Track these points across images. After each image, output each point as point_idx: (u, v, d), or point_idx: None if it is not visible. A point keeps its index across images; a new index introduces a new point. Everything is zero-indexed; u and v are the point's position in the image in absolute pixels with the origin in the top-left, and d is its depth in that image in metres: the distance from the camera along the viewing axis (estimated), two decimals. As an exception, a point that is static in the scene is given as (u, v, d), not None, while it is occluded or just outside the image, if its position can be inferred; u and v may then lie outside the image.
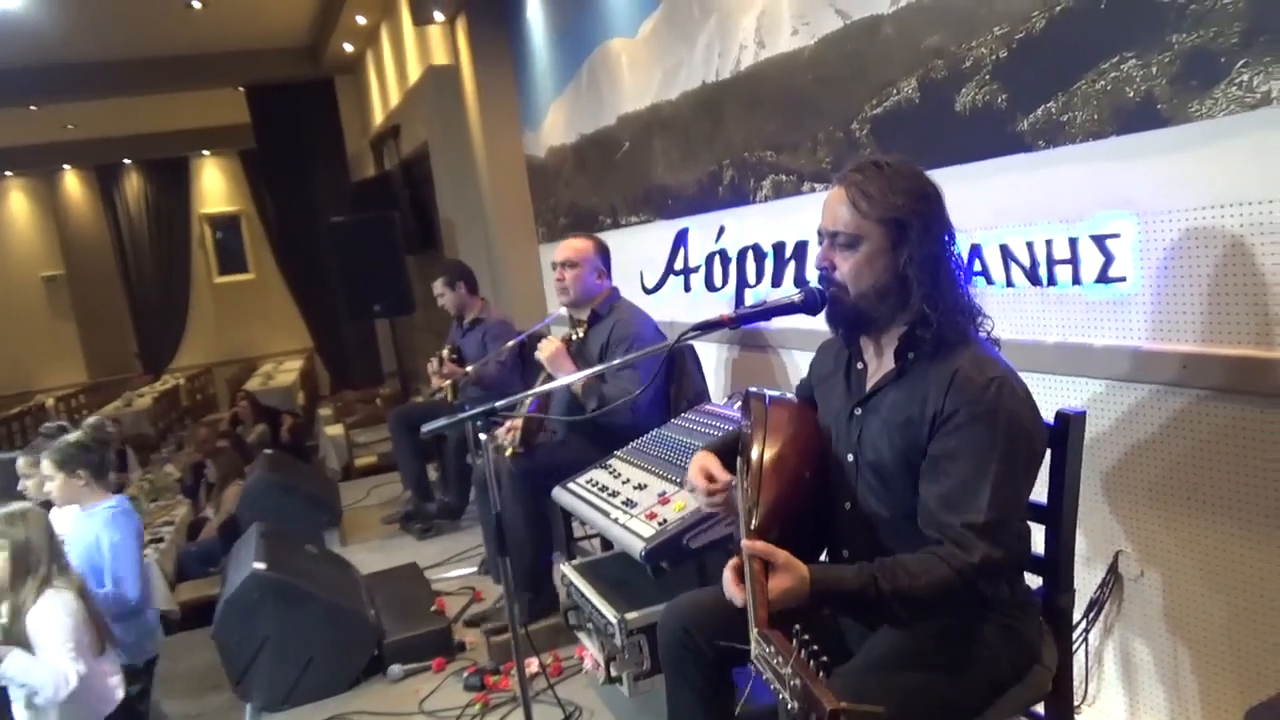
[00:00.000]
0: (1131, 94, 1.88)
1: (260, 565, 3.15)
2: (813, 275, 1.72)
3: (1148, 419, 2.00)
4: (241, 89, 10.20)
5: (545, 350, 3.22)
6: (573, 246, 3.41)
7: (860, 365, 1.73)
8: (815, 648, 1.16)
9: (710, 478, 1.78)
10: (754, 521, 1.56)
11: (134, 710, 2.99)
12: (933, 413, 1.54)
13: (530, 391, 2.94)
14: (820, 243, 1.66)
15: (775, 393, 1.87)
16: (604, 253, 3.45)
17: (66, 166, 13.52)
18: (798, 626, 1.22)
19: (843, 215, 1.59)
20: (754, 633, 1.28)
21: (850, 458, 1.69)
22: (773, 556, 1.42)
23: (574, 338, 3.36)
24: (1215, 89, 1.73)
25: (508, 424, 3.30)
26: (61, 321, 13.70)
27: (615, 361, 2.28)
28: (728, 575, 1.48)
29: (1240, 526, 1.84)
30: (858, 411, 1.69)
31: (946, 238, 1.61)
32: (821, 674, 1.14)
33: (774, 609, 1.35)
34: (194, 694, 3.58)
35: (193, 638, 4.24)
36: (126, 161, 13.51)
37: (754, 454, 1.67)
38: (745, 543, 1.45)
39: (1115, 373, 2.04)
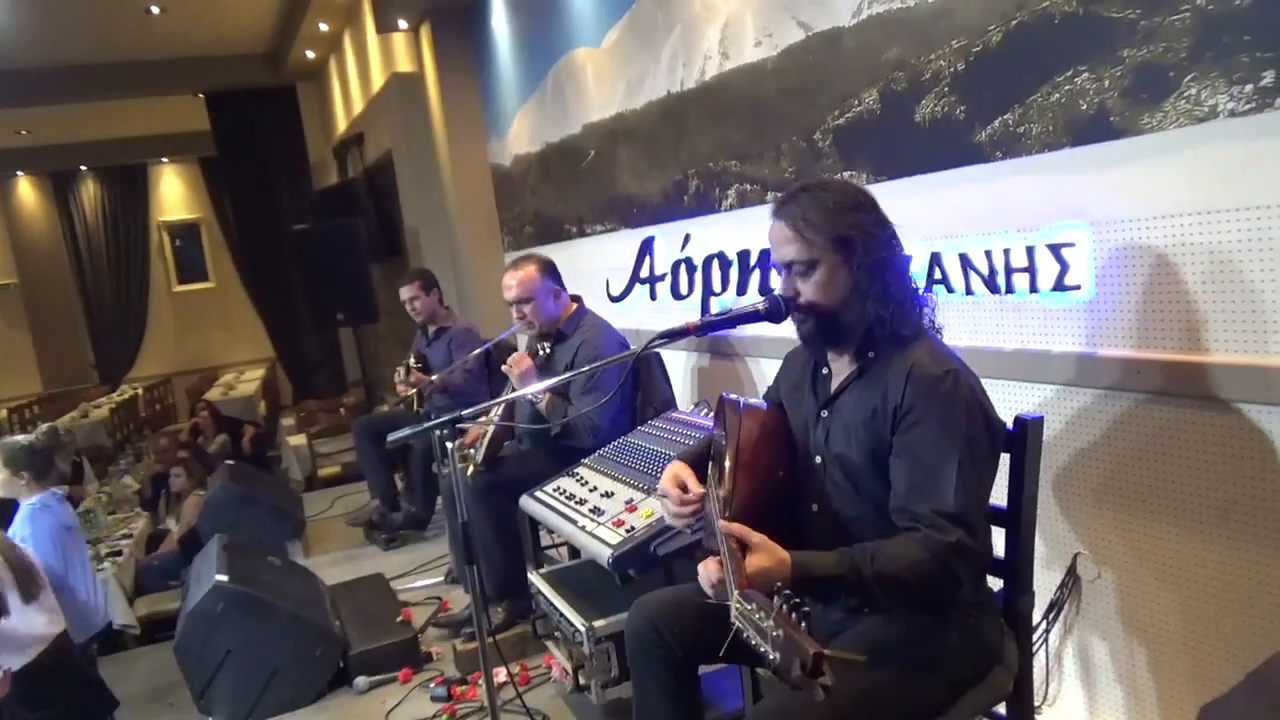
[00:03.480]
0: (1085, 106, 1.93)
1: (222, 577, 3.11)
2: (778, 283, 1.76)
3: (1103, 424, 2.05)
4: (201, 95, 10.06)
5: (515, 369, 3.19)
6: (519, 281, 3.29)
7: (825, 371, 1.78)
8: (796, 600, 1.18)
9: (684, 487, 1.79)
10: (728, 513, 1.58)
11: (85, 674, 3.25)
12: (893, 406, 1.60)
13: (496, 400, 2.94)
14: (779, 273, 1.73)
15: (747, 399, 1.90)
16: (550, 272, 3.35)
17: (20, 173, 13.24)
18: (779, 584, 1.25)
19: (793, 246, 1.68)
20: (734, 594, 1.30)
21: (818, 459, 1.73)
22: (747, 537, 1.44)
23: (540, 353, 3.34)
24: (1165, 102, 1.78)
25: (469, 434, 3.28)
26: (15, 331, 13.39)
27: (580, 376, 2.27)
28: (704, 563, 1.48)
29: (1190, 526, 1.89)
30: (824, 414, 1.73)
31: (887, 236, 1.68)
32: (803, 624, 1.16)
33: (751, 586, 1.36)
34: (155, 709, 3.53)
35: (154, 652, 4.17)
36: (83, 168, 13.27)
37: (728, 455, 1.70)
38: (721, 523, 1.47)
39: (1071, 378, 2.09)
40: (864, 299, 1.64)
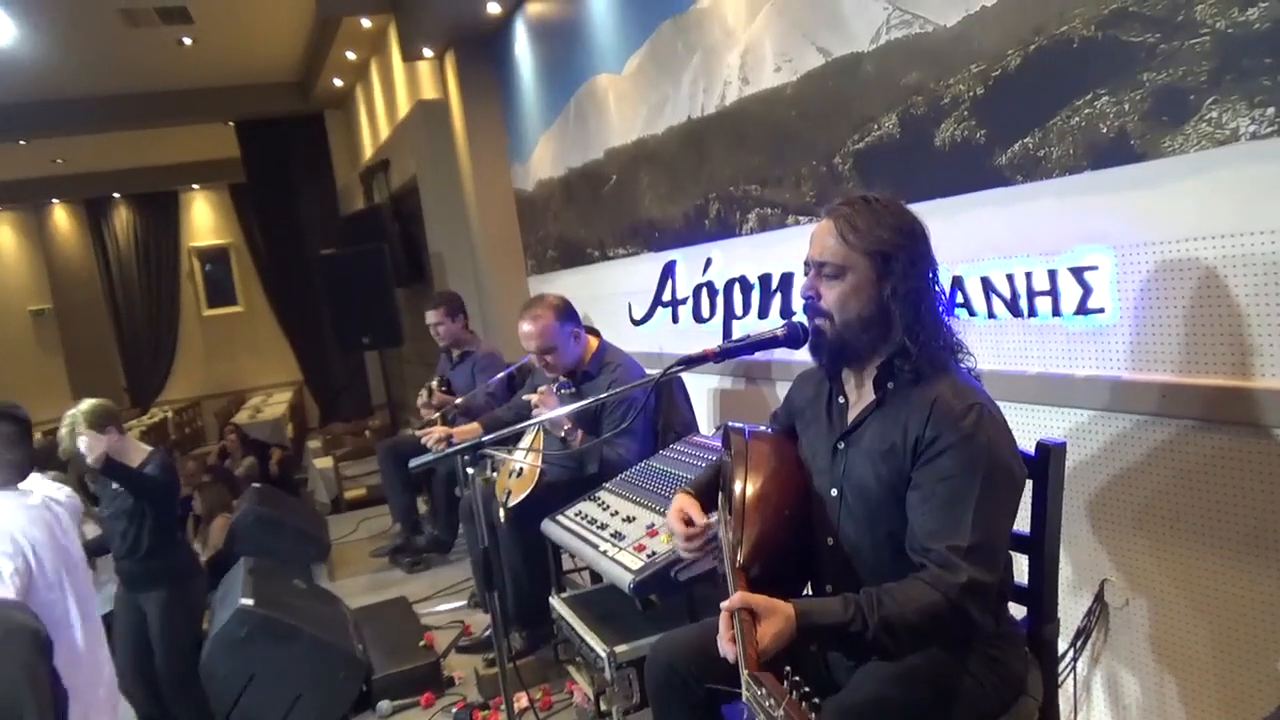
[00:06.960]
0: (1105, 130, 1.93)
1: (247, 601, 3.13)
2: (799, 306, 1.74)
3: (1130, 448, 2.02)
4: (231, 123, 10.25)
5: (544, 408, 3.18)
6: (539, 332, 3.23)
7: (841, 400, 1.74)
8: (807, 689, 1.17)
9: (689, 521, 1.78)
10: (739, 557, 1.57)
11: None
12: (914, 439, 1.56)
13: (524, 423, 2.93)
14: (806, 272, 1.68)
15: (754, 426, 1.88)
16: (565, 315, 3.29)
17: (55, 201, 13.50)
18: (789, 668, 1.23)
19: (830, 246, 1.62)
20: (745, 675, 1.28)
21: (834, 492, 1.70)
22: (752, 604, 1.40)
23: (564, 391, 3.31)
24: (1186, 125, 1.77)
25: (516, 465, 3.24)
26: (49, 355, 13.61)
27: (614, 418, 2.30)
28: (722, 629, 1.44)
29: (1224, 555, 1.86)
30: (841, 446, 1.70)
31: (930, 273, 1.64)
32: (813, 715, 1.15)
33: (768, 655, 1.34)
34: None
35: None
36: (115, 195, 13.51)
37: (736, 490, 1.68)
38: (724, 604, 1.43)
39: (1096, 403, 2.07)
40: (889, 325, 1.60)
